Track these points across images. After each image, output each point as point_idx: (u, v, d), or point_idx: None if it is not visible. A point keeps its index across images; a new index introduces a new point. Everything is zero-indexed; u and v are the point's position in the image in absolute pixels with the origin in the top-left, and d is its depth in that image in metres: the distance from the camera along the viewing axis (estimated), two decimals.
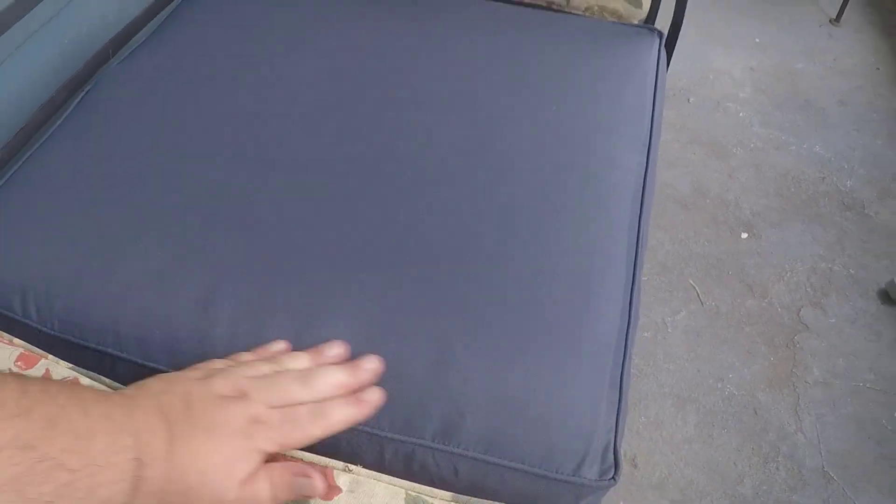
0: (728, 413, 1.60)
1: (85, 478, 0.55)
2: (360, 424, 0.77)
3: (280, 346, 0.82)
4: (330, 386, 0.72)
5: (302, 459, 0.74)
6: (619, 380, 0.85)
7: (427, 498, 0.73)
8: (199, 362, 0.78)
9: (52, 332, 0.89)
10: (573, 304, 0.90)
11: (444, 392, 0.80)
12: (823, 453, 1.53)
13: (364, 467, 0.75)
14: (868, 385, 1.65)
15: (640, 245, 1.03)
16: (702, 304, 1.82)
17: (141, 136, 1.10)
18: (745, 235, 1.99)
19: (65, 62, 1.32)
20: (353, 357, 0.79)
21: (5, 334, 0.89)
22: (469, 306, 0.88)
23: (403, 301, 0.88)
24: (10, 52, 1.20)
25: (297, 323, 0.86)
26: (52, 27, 1.29)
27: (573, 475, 0.77)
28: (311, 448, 0.75)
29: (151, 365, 0.86)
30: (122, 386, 0.81)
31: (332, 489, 0.72)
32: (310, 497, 0.70)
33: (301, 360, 0.77)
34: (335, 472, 0.74)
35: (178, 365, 0.85)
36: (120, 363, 0.87)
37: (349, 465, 0.74)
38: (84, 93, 1.20)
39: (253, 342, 0.84)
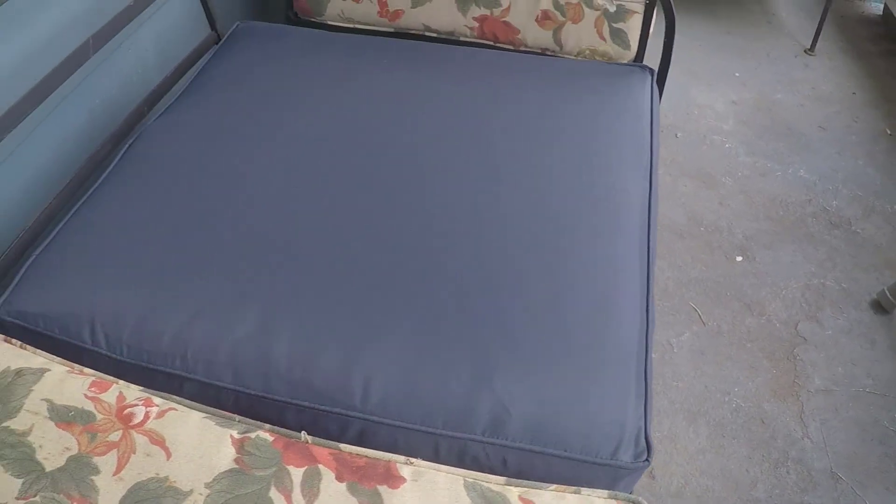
0: (737, 424, 1.67)
1: None
2: (414, 423, 0.86)
3: None
4: None
5: (367, 457, 0.82)
6: (643, 375, 0.94)
7: (483, 483, 0.81)
8: (261, 380, 0.86)
9: (122, 358, 0.98)
10: (597, 312, 1.00)
11: (490, 394, 0.89)
12: (830, 455, 1.61)
13: None
14: (867, 390, 1.74)
15: (650, 258, 1.13)
16: (704, 324, 1.91)
17: (186, 183, 1.20)
18: (739, 258, 2.09)
19: (93, 120, 1.44)
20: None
21: (75, 365, 0.97)
22: (503, 323, 0.98)
23: (444, 323, 0.98)
24: (49, 111, 1.30)
25: (348, 346, 0.95)
26: (83, 90, 1.40)
27: (611, 459, 0.85)
28: (371, 445, 0.83)
29: (218, 384, 0.95)
30: (191, 402, 0.89)
31: (397, 479, 0.80)
32: None
33: None
34: (398, 464, 0.82)
35: (242, 383, 0.94)
36: (188, 383, 0.96)
37: (410, 458, 0.82)
38: (127, 146, 1.30)
39: (309, 364, 0.93)
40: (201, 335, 0.96)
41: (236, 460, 0.82)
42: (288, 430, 0.86)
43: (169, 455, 0.83)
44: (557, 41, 1.74)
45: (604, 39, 1.70)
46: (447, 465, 0.85)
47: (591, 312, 0.99)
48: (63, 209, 1.22)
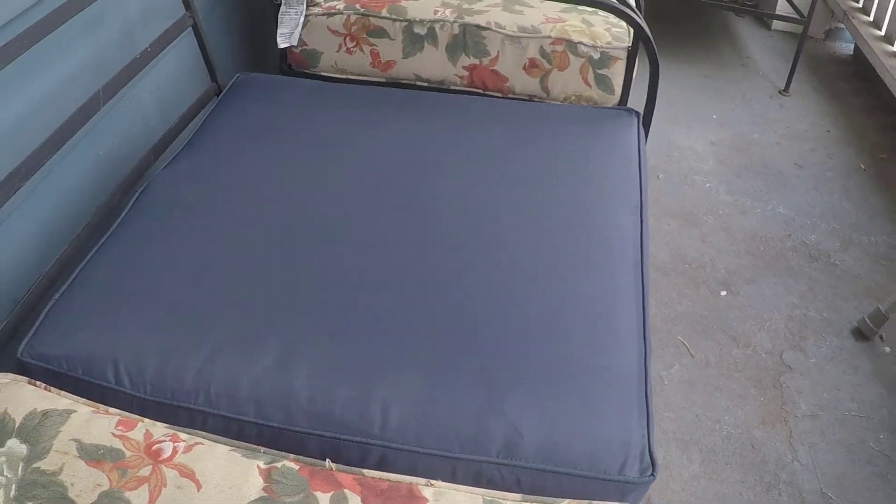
0: (728, 450, 1.73)
1: None
2: (431, 448, 0.91)
3: None
4: None
5: (389, 480, 0.87)
6: (644, 396, 1.00)
7: (501, 501, 0.86)
8: (283, 413, 0.90)
9: (146, 397, 1.02)
10: (598, 340, 1.06)
11: (502, 419, 0.95)
12: (820, 477, 1.66)
13: None
14: (853, 413, 1.81)
15: (644, 289, 1.19)
16: (692, 357, 1.98)
17: (199, 226, 1.25)
18: (724, 293, 2.16)
19: (100, 169, 1.50)
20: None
21: (100, 405, 1.01)
22: (511, 352, 1.03)
23: (456, 354, 1.03)
24: (60, 159, 1.35)
25: (365, 377, 1.00)
26: (90, 140, 1.46)
27: (619, 475, 0.91)
28: (392, 471, 0.88)
29: (241, 418, 0.99)
30: (216, 436, 0.94)
31: (420, 500, 0.84)
32: None
33: None
34: (419, 486, 0.86)
35: (265, 416, 0.98)
36: (212, 418, 1.00)
37: (430, 480, 0.87)
38: (138, 193, 1.35)
39: (329, 396, 0.98)
40: (223, 371, 1.01)
41: (265, 489, 0.86)
42: (312, 459, 0.90)
43: (199, 486, 0.87)
44: (544, 88, 1.82)
45: (589, 85, 1.79)
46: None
47: (592, 340, 1.05)
48: (79, 254, 1.27)
